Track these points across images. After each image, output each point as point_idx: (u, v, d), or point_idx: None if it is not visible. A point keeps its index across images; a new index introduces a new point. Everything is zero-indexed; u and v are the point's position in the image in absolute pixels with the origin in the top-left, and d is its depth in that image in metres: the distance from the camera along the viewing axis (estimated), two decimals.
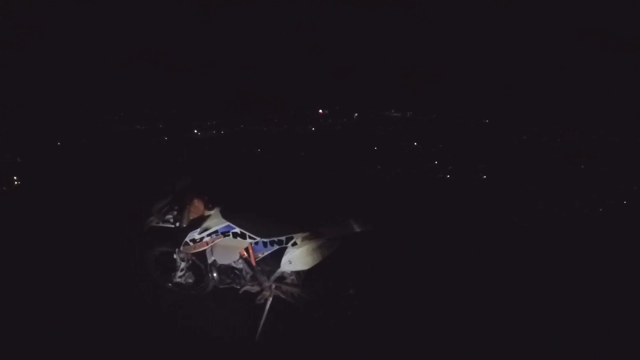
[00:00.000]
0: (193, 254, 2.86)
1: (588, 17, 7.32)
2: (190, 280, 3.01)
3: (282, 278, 2.67)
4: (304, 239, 2.51)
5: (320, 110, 8.36)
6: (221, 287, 2.82)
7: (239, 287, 2.76)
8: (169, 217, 2.82)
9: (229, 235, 2.67)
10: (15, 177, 5.72)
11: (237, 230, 2.64)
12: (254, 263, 2.68)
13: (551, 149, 7.57)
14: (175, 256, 2.91)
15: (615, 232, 4.69)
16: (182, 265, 2.92)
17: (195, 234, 2.75)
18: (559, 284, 3.40)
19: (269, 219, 2.67)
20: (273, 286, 2.66)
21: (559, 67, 8.16)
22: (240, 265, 2.73)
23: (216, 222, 2.71)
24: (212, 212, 2.77)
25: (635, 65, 7.28)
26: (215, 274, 2.80)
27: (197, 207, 2.74)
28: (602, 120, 7.71)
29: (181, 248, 2.83)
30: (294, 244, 2.53)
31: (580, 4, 7.25)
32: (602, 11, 7.12)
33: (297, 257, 2.52)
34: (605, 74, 7.78)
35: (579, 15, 7.35)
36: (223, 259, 2.75)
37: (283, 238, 2.56)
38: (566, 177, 6.43)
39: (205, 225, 2.73)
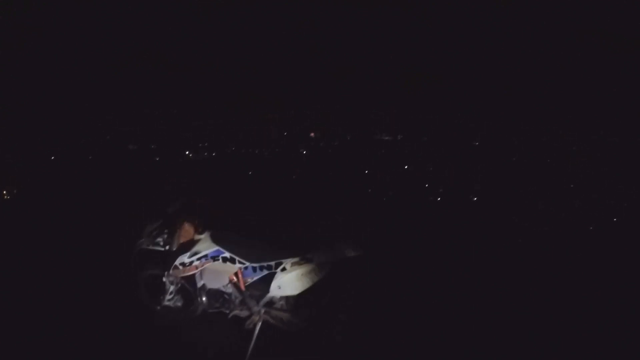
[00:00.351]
0: (182, 278, 2.84)
1: (588, 17, 7.23)
2: (179, 304, 2.98)
3: (271, 303, 2.65)
4: (293, 264, 2.50)
5: (312, 134, 8.33)
6: (210, 311, 2.80)
7: (228, 312, 2.73)
8: (159, 240, 2.81)
9: (218, 260, 2.66)
10: (11, 187, 5.70)
11: (227, 254, 2.64)
12: (243, 288, 2.66)
13: (551, 149, 7.53)
14: (164, 279, 2.88)
15: (615, 232, 4.68)
16: (171, 288, 2.90)
17: (184, 258, 2.74)
18: (559, 284, 3.40)
19: (258, 244, 2.66)
20: (262, 311, 2.63)
21: (559, 67, 8.09)
22: (230, 289, 2.70)
23: (206, 246, 2.72)
24: (202, 236, 2.76)
25: (635, 65, 7.19)
26: (204, 298, 2.78)
27: (187, 231, 2.73)
28: (602, 120, 7.65)
29: (170, 271, 2.82)
30: (283, 269, 2.52)
31: (580, 4, 7.15)
32: (602, 11, 7.03)
33: (287, 283, 2.51)
34: (605, 74, 7.70)
35: (579, 15, 7.26)
36: (212, 283, 2.75)
37: (272, 263, 2.55)
38: (566, 177, 6.41)
39: (195, 249, 2.73)
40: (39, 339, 2.75)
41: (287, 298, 2.63)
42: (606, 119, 7.63)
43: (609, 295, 3.24)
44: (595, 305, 3.11)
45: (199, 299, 2.80)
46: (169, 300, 2.93)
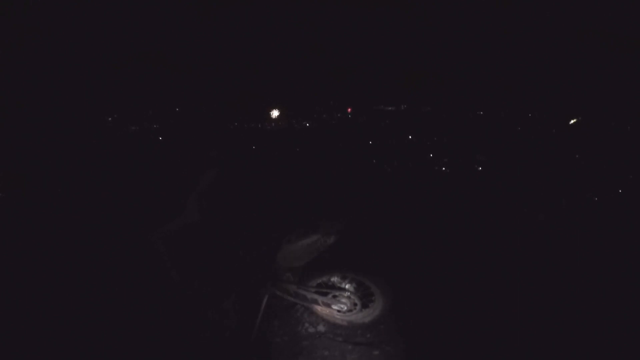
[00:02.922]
0: None
1: (588, 17, 7.32)
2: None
3: (277, 275, 2.65)
4: (298, 235, 2.50)
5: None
6: None
7: None
8: None
9: None
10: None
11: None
12: None
13: (551, 148, 7.57)
14: None
15: (615, 231, 4.68)
16: None
17: None
18: (559, 283, 3.38)
19: (263, 215, 2.67)
20: (269, 283, 2.64)
21: (559, 67, 8.16)
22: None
23: None
24: None
25: (635, 65, 7.26)
26: None
27: None
28: (602, 120, 7.71)
29: None
30: (289, 240, 2.51)
31: (580, 4, 7.24)
32: (602, 11, 7.12)
33: (292, 254, 2.51)
34: (605, 73, 7.77)
35: (579, 15, 7.35)
36: None
37: (277, 234, 2.55)
38: (567, 176, 6.43)
39: None
40: (38, 338, 2.74)
41: (293, 269, 2.63)
42: (606, 119, 7.68)
43: (609, 295, 3.22)
44: (595, 304, 3.10)
45: None
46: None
